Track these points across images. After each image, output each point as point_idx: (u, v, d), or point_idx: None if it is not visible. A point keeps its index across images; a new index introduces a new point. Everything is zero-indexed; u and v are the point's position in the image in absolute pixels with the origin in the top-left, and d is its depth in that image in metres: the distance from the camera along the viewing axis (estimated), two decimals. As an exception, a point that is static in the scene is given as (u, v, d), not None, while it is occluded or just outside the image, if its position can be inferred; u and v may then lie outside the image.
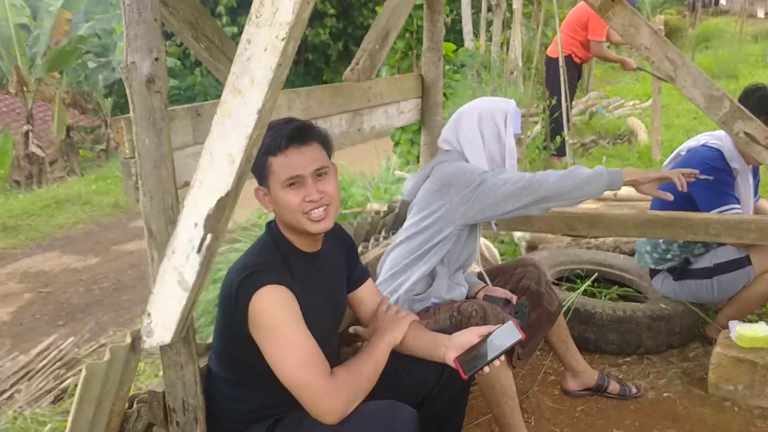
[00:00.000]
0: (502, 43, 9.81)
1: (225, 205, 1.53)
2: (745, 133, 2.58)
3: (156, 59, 1.57)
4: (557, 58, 5.68)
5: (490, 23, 10.56)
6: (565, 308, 2.97)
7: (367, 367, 1.76)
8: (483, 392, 2.27)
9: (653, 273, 3.16)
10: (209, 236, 1.56)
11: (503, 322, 1.93)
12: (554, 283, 3.32)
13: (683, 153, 3.01)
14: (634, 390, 2.74)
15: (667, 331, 2.97)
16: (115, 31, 13.00)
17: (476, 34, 11.65)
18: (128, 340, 1.71)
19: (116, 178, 10.35)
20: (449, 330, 1.97)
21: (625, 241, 3.73)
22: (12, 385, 3.67)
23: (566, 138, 5.52)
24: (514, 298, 2.49)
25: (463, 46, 10.85)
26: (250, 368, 1.76)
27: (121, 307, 5.52)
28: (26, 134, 11.32)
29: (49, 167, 11.71)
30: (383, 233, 3.26)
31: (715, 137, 2.92)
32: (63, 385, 3.56)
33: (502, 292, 2.52)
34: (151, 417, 1.86)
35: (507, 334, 1.79)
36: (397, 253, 2.49)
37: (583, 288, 3.18)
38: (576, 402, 2.71)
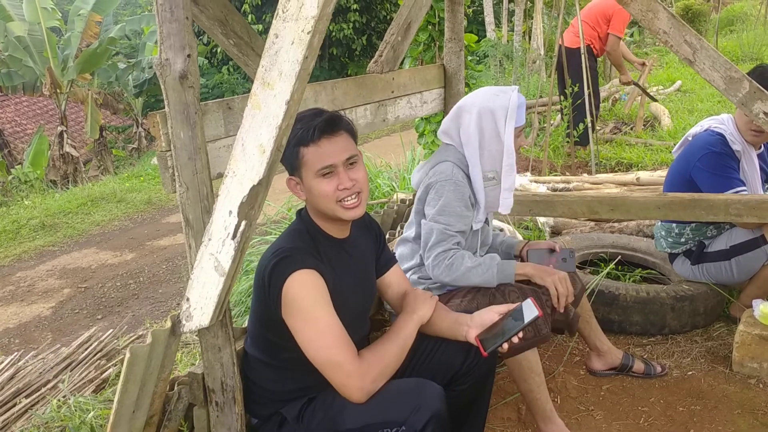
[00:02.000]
0: (524, 33, 9.80)
1: (257, 192, 1.62)
2: (765, 113, 2.60)
3: (188, 56, 1.66)
4: (577, 48, 5.68)
5: (511, 13, 10.53)
6: (589, 290, 3.02)
7: (394, 347, 1.84)
8: (510, 369, 2.33)
9: (672, 257, 3.20)
10: (243, 223, 1.65)
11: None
12: (578, 267, 3.37)
13: (690, 139, 3.07)
14: (659, 369, 2.78)
15: (691, 311, 3.01)
16: (144, 32, 13.23)
17: (498, 25, 11.62)
18: (168, 324, 1.81)
19: (149, 176, 10.58)
20: (471, 310, 2.04)
21: (648, 224, 3.77)
22: (55, 376, 3.82)
23: (588, 126, 5.54)
24: (557, 246, 2.56)
25: (485, 36, 10.83)
26: (284, 351, 1.85)
27: (157, 300, 5.68)
28: (61, 135, 11.61)
29: (83, 167, 11.99)
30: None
31: (718, 121, 2.97)
32: (104, 375, 3.69)
33: (545, 243, 2.59)
34: (191, 398, 1.96)
35: (525, 311, 1.86)
36: (405, 250, 2.59)
37: (606, 271, 3.22)
38: (601, 381, 2.77)
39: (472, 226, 2.44)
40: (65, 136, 11.70)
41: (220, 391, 1.89)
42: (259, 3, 15.53)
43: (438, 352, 2.04)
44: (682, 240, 3.08)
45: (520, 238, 2.70)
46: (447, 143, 2.51)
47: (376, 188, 5.20)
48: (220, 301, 1.75)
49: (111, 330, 4.43)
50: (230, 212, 1.64)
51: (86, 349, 4.19)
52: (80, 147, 12.77)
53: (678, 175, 3.05)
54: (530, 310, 1.85)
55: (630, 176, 4.79)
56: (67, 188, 10.56)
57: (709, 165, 2.87)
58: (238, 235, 1.65)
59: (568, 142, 5.90)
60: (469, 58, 6.08)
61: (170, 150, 1.75)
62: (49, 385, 3.70)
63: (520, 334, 1.86)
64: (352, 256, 1.96)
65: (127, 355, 1.71)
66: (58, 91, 11.76)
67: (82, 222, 8.57)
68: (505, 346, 1.86)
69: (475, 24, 16.11)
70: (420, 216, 2.47)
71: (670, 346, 3.00)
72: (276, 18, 1.45)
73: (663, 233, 3.16)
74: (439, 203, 2.34)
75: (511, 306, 1.94)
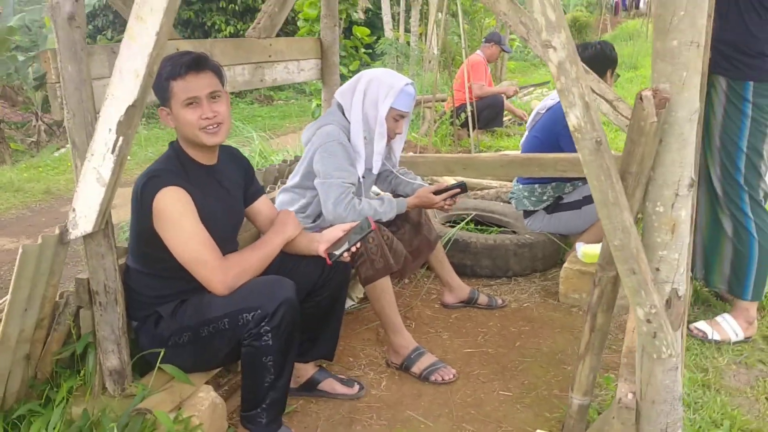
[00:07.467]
0: (421, 34, 10.40)
1: (133, 113, 1.93)
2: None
3: (76, 0, 1.96)
4: (464, 103, 6.66)
5: (409, 14, 11.13)
6: (447, 241, 3.46)
7: (258, 253, 2.19)
8: (368, 293, 2.71)
9: (528, 213, 3.68)
10: (121, 139, 1.95)
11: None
12: (449, 225, 3.83)
13: (542, 112, 3.53)
14: (500, 302, 3.26)
15: (530, 256, 3.51)
16: (45, 23, 12.96)
17: (396, 26, 12.21)
18: (57, 231, 2.09)
19: (47, 167, 10.42)
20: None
21: (505, 191, 4.28)
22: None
23: (468, 116, 6.15)
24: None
25: (383, 36, 11.38)
26: (159, 261, 2.16)
27: (54, 278, 5.74)
28: (-46, 126, 11.25)
29: (-22, 160, 11.64)
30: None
31: None
32: None
33: (442, 185, 3.02)
34: (77, 300, 2.23)
35: (363, 227, 2.26)
36: (286, 197, 2.97)
37: (462, 225, 3.70)
38: (451, 312, 3.21)
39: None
40: (-41, 127, 11.34)
41: (104, 293, 2.17)
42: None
43: (299, 267, 2.39)
44: (545, 198, 3.56)
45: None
46: (332, 111, 2.91)
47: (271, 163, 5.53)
48: (102, 210, 2.03)
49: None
50: (110, 130, 1.94)
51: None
52: (-25, 141, 12.35)
53: (544, 142, 3.45)
54: (367, 225, 2.27)
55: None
56: (-39, 179, 10.24)
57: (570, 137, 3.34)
58: (117, 149, 1.95)
59: (453, 123, 6.54)
60: (364, 51, 6.52)
61: (59, 82, 2.03)
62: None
63: (359, 245, 2.26)
64: (219, 183, 2.27)
65: (20, 252, 1.98)
66: (-47, 81, 11.39)
67: (-23, 210, 8.42)
68: (346, 255, 2.26)
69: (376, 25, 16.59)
70: (308, 168, 2.83)
71: (513, 287, 3.49)
72: (147, -37, 1.78)
73: (526, 194, 3.61)
74: (331, 161, 2.71)
75: (353, 224, 2.34)
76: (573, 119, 1.48)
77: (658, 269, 1.58)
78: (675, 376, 1.66)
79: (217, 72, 2.16)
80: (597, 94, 3.12)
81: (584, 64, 2.99)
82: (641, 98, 1.46)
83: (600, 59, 3.34)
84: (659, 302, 1.55)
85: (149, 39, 1.82)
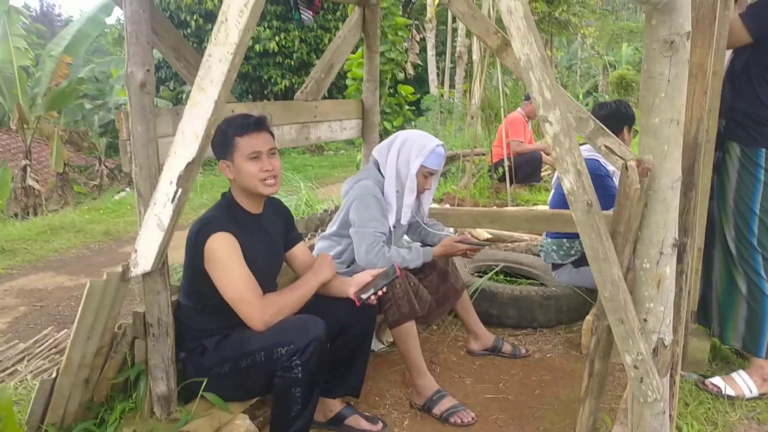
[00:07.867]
0: (465, 91, 10.78)
1: (192, 169, 2.22)
2: (605, 146, 3.31)
3: (147, 70, 2.28)
4: (501, 158, 6.92)
5: (455, 71, 11.54)
6: (475, 290, 3.66)
7: (295, 293, 2.44)
8: (394, 336, 2.92)
9: (556, 266, 3.86)
10: (180, 190, 2.24)
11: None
12: (478, 275, 4.03)
13: None
14: (523, 351, 3.42)
15: (556, 308, 3.66)
16: (113, 74, 13.82)
17: (442, 83, 12.64)
18: (120, 269, 2.38)
19: (108, 210, 11.00)
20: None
21: (535, 243, 4.46)
22: (13, 365, 4.26)
23: (506, 170, 6.38)
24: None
25: (428, 92, 11.80)
26: (208, 298, 2.42)
27: (109, 313, 6.09)
28: (24, 168, 11.98)
29: (44, 201, 12.34)
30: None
31: (587, 149, 3.64)
32: (58, 366, 4.14)
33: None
34: (134, 331, 2.51)
35: (389, 273, 2.50)
36: (324, 244, 3.22)
37: (490, 275, 3.89)
38: (476, 359, 3.38)
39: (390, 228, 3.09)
40: (29, 170, 12.09)
41: (157, 326, 2.44)
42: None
43: (330, 308, 2.61)
44: (572, 252, 3.74)
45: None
46: (369, 167, 3.18)
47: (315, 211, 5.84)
48: (160, 251, 2.32)
49: (65, 330, 4.89)
50: (171, 182, 2.23)
51: (41, 345, 4.65)
52: (42, 184, 13.13)
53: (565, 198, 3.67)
54: (393, 271, 2.50)
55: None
56: (28, 220, 10.90)
57: (595, 187, 3.52)
58: (176, 199, 2.25)
59: (491, 177, 6.78)
60: (407, 107, 6.86)
61: (129, 140, 2.35)
62: (7, 372, 4.14)
63: (385, 289, 2.50)
64: (263, 229, 2.56)
65: (87, 286, 2.27)
66: (25, 126, 12.20)
67: (40, 248, 8.92)
68: (373, 298, 2.49)
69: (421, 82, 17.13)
70: (345, 218, 3.10)
71: (537, 337, 3.64)
72: (210, 43, 2.09)
73: (554, 247, 3.80)
74: (366, 212, 2.99)
75: (381, 269, 2.58)
76: (567, 184, 1.70)
77: (645, 320, 1.76)
78: (663, 419, 1.82)
79: (272, 134, 2.47)
80: (617, 155, 3.34)
81: (600, 123, 3.27)
82: (626, 167, 1.67)
83: (615, 117, 3.57)
84: (645, 350, 1.73)
85: (209, 106, 2.12)
